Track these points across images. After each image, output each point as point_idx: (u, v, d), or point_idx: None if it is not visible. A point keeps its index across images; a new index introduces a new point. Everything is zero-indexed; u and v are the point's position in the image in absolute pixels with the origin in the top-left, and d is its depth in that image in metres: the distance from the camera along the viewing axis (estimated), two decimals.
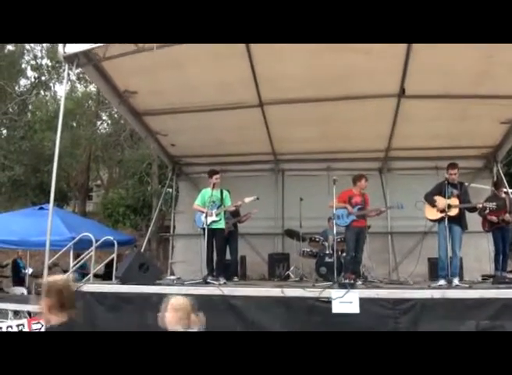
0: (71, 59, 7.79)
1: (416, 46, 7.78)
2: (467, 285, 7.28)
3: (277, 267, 10.61)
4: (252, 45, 7.85)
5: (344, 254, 8.88)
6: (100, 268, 10.31)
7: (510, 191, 9.32)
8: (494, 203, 7.84)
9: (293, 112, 9.76)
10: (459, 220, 7.65)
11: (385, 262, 11.27)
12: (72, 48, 7.61)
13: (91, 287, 7.39)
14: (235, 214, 9.64)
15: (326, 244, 9.76)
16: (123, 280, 7.49)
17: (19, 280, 12.73)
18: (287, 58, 8.14)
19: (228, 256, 9.46)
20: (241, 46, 7.84)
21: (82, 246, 9.12)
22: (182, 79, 8.82)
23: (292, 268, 10.27)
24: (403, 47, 7.88)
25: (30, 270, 12.39)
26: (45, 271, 7.64)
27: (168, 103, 9.69)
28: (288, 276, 10.03)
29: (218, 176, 8.50)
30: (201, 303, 6.49)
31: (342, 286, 6.35)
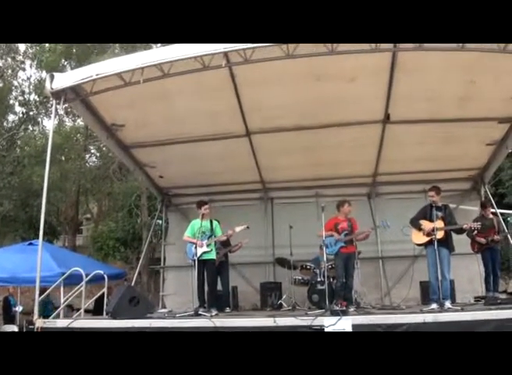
0: (58, 95, 7.81)
1: (398, 74, 7.98)
2: (458, 308, 7.27)
3: (269, 296, 10.53)
4: (237, 74, 7.99)
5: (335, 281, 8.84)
6: (90, 303, 10.22)
7: (497, 210, 9.41)
8: (479, 223, 7.88)
9: (280, 141, 9.86)
10: (446, 243, 7.66)
11: (378, 287, 11.27)
12: (60, 83, 7.66)
13: (81, 322, 7.29)
14: (226, 244, 9.60)
15: (318, 271, 9.70)
16: (114, 315, 7.40)
17: (9, 318, 12.56)
18: (271, 86, 8.27)
19: (219, 287, 9.40)
20: (227, 76, 7.98)
21: (72, 281, 9.04)
22: (168, 111, 8.94)
23: (284, 297, 10.19)
24: (386, 74, 8.08)
25: (20, 308, 12.23)
26: (36, 308, 7.54)
27: (156, 135, 9.74)
28: (281, 305, 9.95)
29: (207, 206, 8.50)
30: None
31: (334, 313, 6.31)
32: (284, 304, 9.95)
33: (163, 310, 10.42)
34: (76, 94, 8.05)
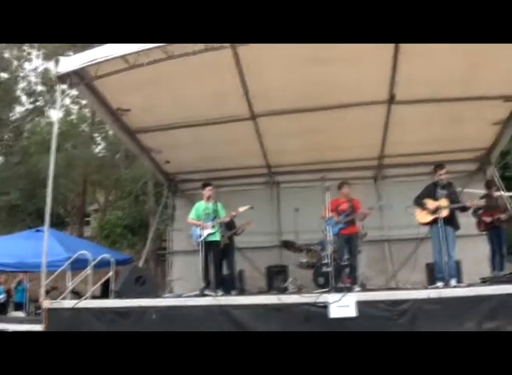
0: (63, 79, 7.91)
1: (402, 56, 7.94)
2: (464, 285, 7.30)
3: (275, 280, 10.53)
4: (241, 56, 7.96)
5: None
6: (97, 288, 10.27)
7: (502, 193, 9.38)
8: (484, 200, 7.87)
9: (285, 124, 9.87)
10: (450, 221, 7.65)
11: (384, 271, 11.30)
12: (65, 67, 7.72)
13: (87, 302, 7.37)
14: (230, 227, 9.62)
15: (323, 253, 9.71)
16: (120, 294, 7.46)
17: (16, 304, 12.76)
18: (276, 69, 8.26)
19: (225, 270, 9.45)
20: (230, 58, 7.94)
21: (79, 266, 9.05)
22: (173, 94, 8.94)
23: (290, 279, 10.21)
24: (389, 57, 8.03)
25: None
26: (42, 292, 7.61)
27: (161, 119, 9.80)
28: (286, 288, 9.98)
29: (210, 187, 8.55)
30: (199, 314, 6.66)
31: (338, 290, 6.35)
32: (290, 286, 9.98)
33: (170, 294, 10.46)
34: (81, 78, 8.11)
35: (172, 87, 8.73)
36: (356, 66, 8.07)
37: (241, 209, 8.65)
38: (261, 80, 8.59)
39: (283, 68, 8.27)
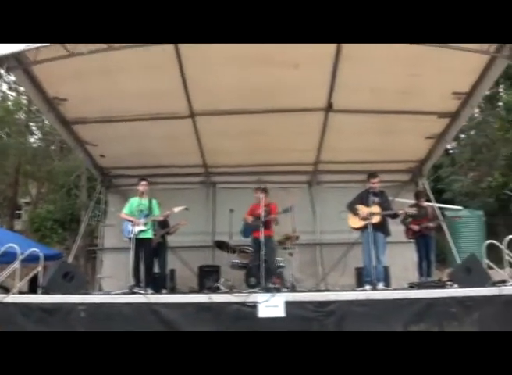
0: (1, 62, 7.60)
1: (343, 63, 8.12)
2: (391, 288, 7.54)
3: (207, 280, 10.48)
4: (183, 54, 7.92)
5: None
6: (24, 284, 9.90)
7: (431, 204, 9.75)
8: (414, 208, 8.18)
9: (224, 124, 9.86)
10: (381, 227, 7.95)
11: (315, 275, 11.49)
12: (2, 49, 7.43)
13: (14, 298, 7.10)
14: (164, 225, 9.53)
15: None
16: (47, 290, 7.23)
17: None
18: (217, 69, 8.26)
19: (157, 269, 9.33)
20: (172, 55, 7.89)
21: (7, 259, 8.69)
22: (113, 86, 8.75)
23: (222, 280, 10.20)
24: (330, 62, 8.19)
25: None
26: None
27: (99, 111, 9.53)
28: (218, 288, 9.95)
29: (145, 183, 8.45)
30: (128, 312, 6.54)
31: (267, 290, 6.40)
32: (221, 287, 9.97)
33: (99, 292, 10.22)
34: (18, 62, 7.82)
35: (112, 80, 8.55)
36: (298, 69, 8.15)
37: (176, 210, 8.59)
38: (203, 79, 8.55)
39: (225, 68, 8.27)
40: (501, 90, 26.66)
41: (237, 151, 10.94)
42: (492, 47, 7.65)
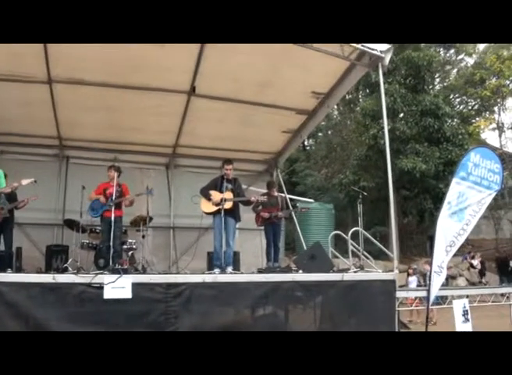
0: None
1: (208, 48, 8.14)
2: (240, 272, 7.78)
3: (55, 260, 10.03)
4: None
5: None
6: None
7: (282, 195, 10.22)
8: (265, 197, 8.53)
9: (84, 96, 9.35)
10: (233, 213, 8.20)
11: (168, 258, 11.56)
12: None
13: None
14: (11, 199, 8.86)
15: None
16: None
17: None
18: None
19: (1, 247, 8.70)
20: None
21: None
22: None
23: (70, 260, 9.78)
24: (196, 46, 8.15)
25: None
26: None
27: None
28: (66, 269, 9.51)
29: None
30: None
31: (115, 271, 6.28)
32: (69, 268, 9.55)
33: None
34: None
35: None
36: (162, 49, 7.91)
37: (24, 182, 7.92)
38: (65, 45, 7.98)
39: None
40: (360, 96, 28.74)
41: (95, 126, 10.50)
42: (353, 54, 8.16)
